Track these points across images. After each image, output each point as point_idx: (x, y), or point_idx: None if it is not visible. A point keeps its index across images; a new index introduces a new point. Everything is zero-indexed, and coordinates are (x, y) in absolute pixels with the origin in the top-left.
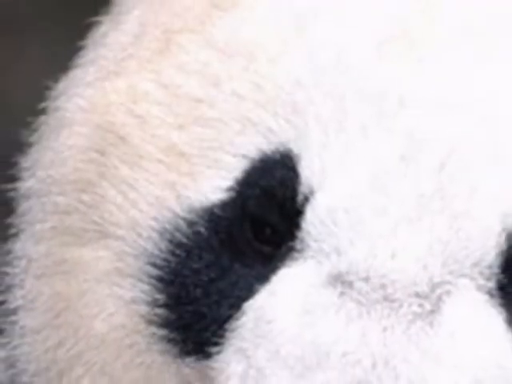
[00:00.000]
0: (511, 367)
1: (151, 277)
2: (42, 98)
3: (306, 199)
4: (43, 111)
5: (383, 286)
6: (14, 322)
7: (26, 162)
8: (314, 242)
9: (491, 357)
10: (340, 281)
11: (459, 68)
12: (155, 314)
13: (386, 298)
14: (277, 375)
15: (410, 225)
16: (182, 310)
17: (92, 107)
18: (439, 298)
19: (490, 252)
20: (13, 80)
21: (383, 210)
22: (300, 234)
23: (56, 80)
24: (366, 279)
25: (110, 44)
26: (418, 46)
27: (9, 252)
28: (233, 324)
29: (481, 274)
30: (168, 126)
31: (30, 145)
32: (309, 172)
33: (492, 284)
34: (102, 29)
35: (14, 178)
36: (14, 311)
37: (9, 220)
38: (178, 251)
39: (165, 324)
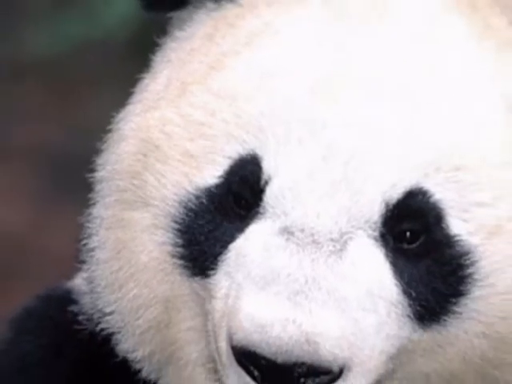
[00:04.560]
0: (387, 282)
1: (174, 229)
2: (109, 122)
3: (266, 183)
4: (110, 130)
5: (312, 235)
6: (92, 256)
7: (100, 160)
8: (271, 208)
9: (375, 277)
10: (286, 231)
11: (363, 103)
12: (176, 251)
13: (313, 242)
14: (248, 287)
15: (327, 198)
16: (192, 248)
17: (139, 128)
18: (345, 242)
19: (375, 214)
20: (92, 111)
21: (312, 189)
22: (262, 204)
23: (118, 112)
24: (302, 230)
25: (150, 90)
26: (338, 88)
27: (90, 214)
28: (222, 257)
29: (370, 227)
30: (184, 139)
31: (102, 150)
32: (268, 167)
33: (376, 233)
34: (145, 81)
35: (93, 170)
36: (92, 249)
37: (90, 195)
38: (189, 214)
39: (182, 257)
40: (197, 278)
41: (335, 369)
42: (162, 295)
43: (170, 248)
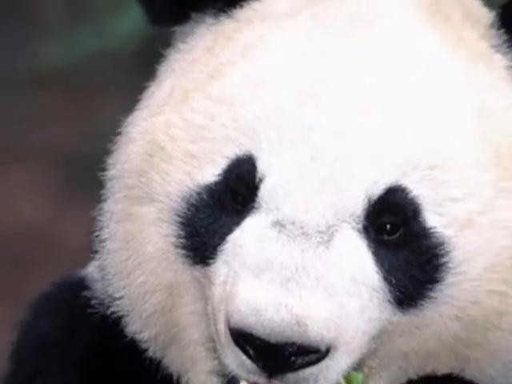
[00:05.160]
0: (369, 270)
1: (177, 222)
2: (119, 126)
3: (260, 180)
4: (120, 133)
5: (302, 227)
6: (103, 246)
7: (110, 160)
8: (265, 204)
9: (359, 265)
10: (278, 224)
11: (347, 109)
12: (179, 242)
13: (303, 233)
14: (244, 275)
15: (316, 194)
16: (194, 240)
17: (145, 131)
18: (332, 233)
19: (358, 208)
20: (103, 116)
21: (302, 186)
22: (257, 199)
23: (127, 116)
24: (293, 223)
25: (155, 97)
26: (325, 95)
27: (101, 209)
28: (221, 247)
29: (354, 220)
30: (186, 141)
31: (112, 151)
32: (262, 166)
33: (360, 226)
34: (151, 89)
35: (104, 169)
36: (104, 240)
37: (101, 192)
38: (191, 208)
39: (184, 247)
40: (198, 267)
41: (323, 348)
42: (167, 282)
43: (173, 239)
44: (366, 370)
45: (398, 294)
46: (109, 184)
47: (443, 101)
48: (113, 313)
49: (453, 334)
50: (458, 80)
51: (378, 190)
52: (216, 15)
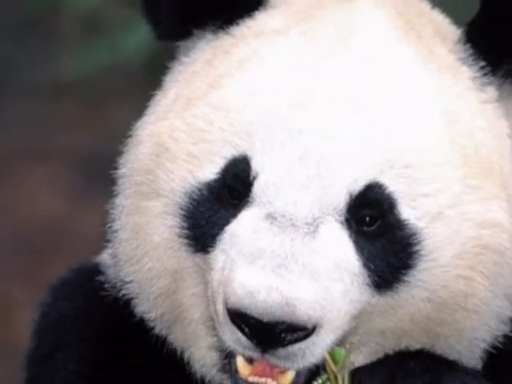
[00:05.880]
0: (350, 258)
1: (180, 215)
2: (129, 129)
3: (254, 178)
4: (130, 136)
5: (291, 219)
6: (115, 236)
7: (122, 160)
8: (258, 198)
9: (342, 253)
10: (270, 217)
11: (331, 115)
12: (182, 232)
13: (292, 225)
14: (240, 261)
15: (303, 190)
16: (195, 230)
17: (152, 134)
18: (317, 225)
19: (341, 203)
20: (116, 121)
21: (291, 183)
22: (251, 195)
23: (136, 121)
24: (283, 216)
25: (161, 104)
26: (311, 102)
27: (114, 203)
28: (219, 237)
29: (337, 213)
30: (188, 143)
31: (124, 152)
32: (255, 165)
33: (342, 218)
34: (157, 97)
35: (116, 168)
36: (115, 231)
37: (114, 188)
38: (193, 203)
39: (187, 237)
40: (199, 254)
41: (309, 326)
42: (171, 268)
43: (177, 230)
44: (347, 345)
45: (376, 278)
46: (120, 181)
47: (416, 108)
48: (124, 295)
49: (424, 314)
50: (429, 89)
51: (358, 186)
52: (215, 32)
